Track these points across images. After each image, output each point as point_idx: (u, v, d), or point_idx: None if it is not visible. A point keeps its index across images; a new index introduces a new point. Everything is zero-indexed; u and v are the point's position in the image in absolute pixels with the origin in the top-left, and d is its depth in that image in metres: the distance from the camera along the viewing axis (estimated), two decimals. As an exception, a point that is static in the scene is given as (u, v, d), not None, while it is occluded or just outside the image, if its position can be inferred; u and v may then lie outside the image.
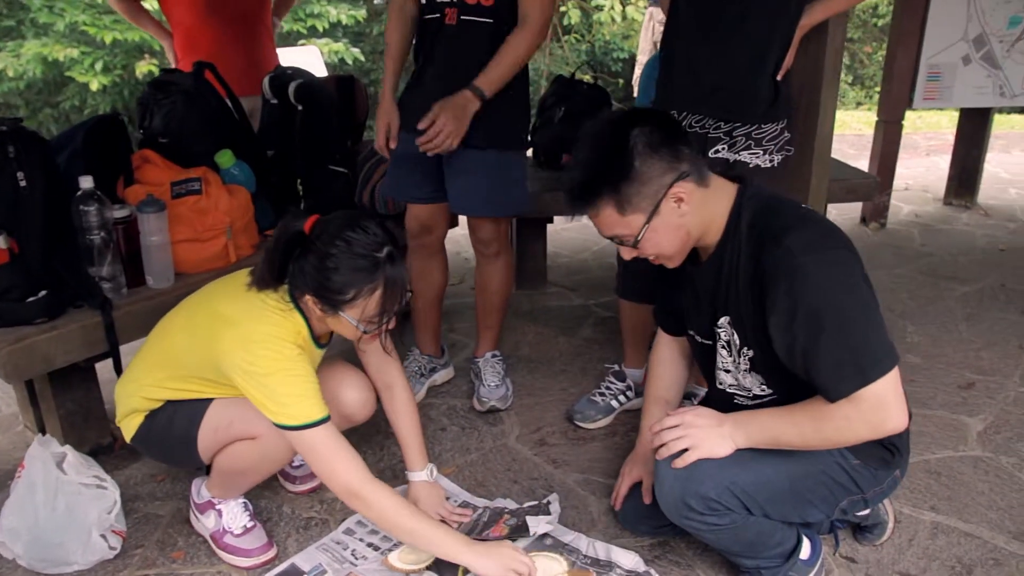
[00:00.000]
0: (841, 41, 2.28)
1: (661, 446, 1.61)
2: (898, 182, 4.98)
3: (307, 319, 1.75)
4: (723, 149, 2.11)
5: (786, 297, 1.44)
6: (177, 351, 1.81)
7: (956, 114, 5.15)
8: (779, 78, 2.09)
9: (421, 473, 2.01)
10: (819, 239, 1.47)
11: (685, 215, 1.52)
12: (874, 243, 4.42)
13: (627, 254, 1.60)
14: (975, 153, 4.96)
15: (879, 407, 1.43)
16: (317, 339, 1.81)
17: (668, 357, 1.96)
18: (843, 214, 4.81)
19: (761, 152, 2.10)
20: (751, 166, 2.10)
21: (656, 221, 1.51)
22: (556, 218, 3.70)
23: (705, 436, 1.57)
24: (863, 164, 4.79)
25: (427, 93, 2.29)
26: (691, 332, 1.79)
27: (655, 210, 1.50)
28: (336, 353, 2.08)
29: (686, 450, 1.57)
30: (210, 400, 1.82)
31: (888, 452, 1.63)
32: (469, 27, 2.22)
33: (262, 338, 1.66)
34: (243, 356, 1.65)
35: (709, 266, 1.61)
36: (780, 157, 2.13)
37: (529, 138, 2.58)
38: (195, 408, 1.82)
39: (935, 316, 3.37)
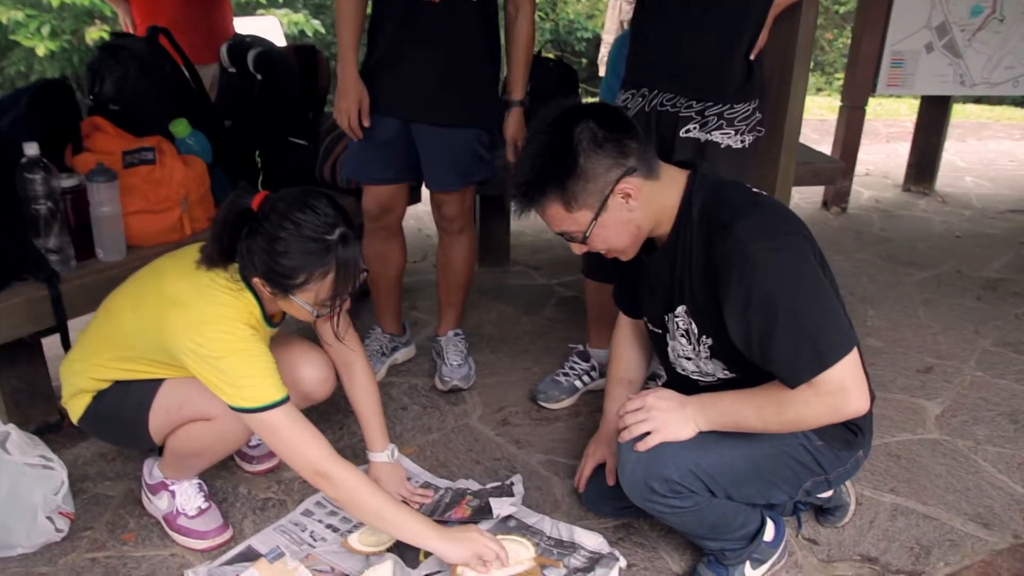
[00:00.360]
0: (813, 22, 2.27)
1: (624, 429, 1.59)
2: (859, 167, 5.03)
3: (259, 298, 1.68)
4: (694, 129, 2.08)
5: (739, 286, 1.42)
6: (124, 331, 1.72)
7: (915, 102, 5.21)
8: (752, 57, 2.07)
9: (382, 454, 1.97)
10: (769, 225, 1.45)
11: (634, 210, 1.50)
12: (835, 228, 4.46)
13: (577, 250, 1.59)
14: (934, 141, 5.02)
15: (839, 391, 1.41)
16: (270, 319, 1.74)
17: (630, 338, 1.94)
18: (805, 198, 4.84)
19: (732, 132, 2.07)
20: (722, 146, 2.07)
21: (604, 217, 1.49)
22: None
23: (667, 419, 1.55)
24: (825, 149, 4.81)
25: (414, 77, 2.24)
26: (645, 319, 1.78)
27: (602, 206, 1.48)
28: (295, 330, 2.02)
29: (648, 433, 1.56)
30: (161, 380, 1.75)
31: (851, 433, 1.63)
32: (457, 6, 2.18)
33: (212, 319, 1.58)
34: (193, 339, 1.57)
35: (663, 256, 1.59)
36: (751, 138, 2.11)
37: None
38: (145, 389, 1.75)
39: (895, 301, 3.41)
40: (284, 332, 1.90)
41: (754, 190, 1.57)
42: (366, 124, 2.29)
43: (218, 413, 1.69)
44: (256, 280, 1.60)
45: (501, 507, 1.85)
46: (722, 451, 1.55)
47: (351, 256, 1.57)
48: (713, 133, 2.08)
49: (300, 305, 1.61)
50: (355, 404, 1.98)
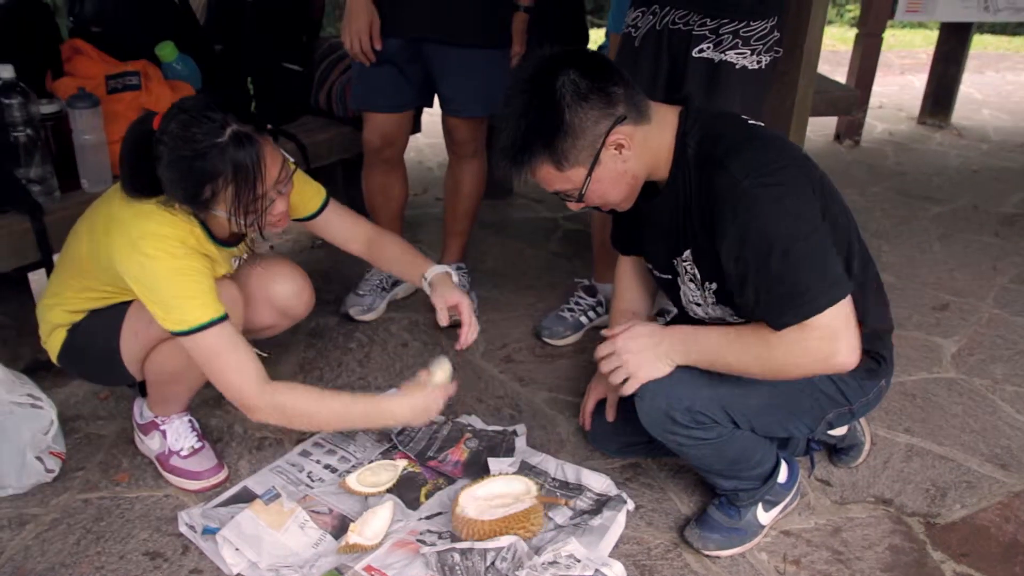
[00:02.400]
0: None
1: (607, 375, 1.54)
2: (872, 100, 4.87)
3: (200, 219, 1.61)
4: (708, 48, 1.95)
5: (732, 226, 1.35)
6: (82, 260, 1.67)
7: (931, 33, 5.02)
8: (772, -30, 1.93)
9: (437, 267, 1.83)
10: (763, 160, 1.36)
11: (628, 160, 1.42)
12: (848, 161, 4.33)
13: (574, 207, 1.51)
14: (953, 71, 4.85)
15: (829, 338, 1.32)
16: (222, 240, 1.68)
17: (632, 272, 1.87)
18: (817, 131, 4.69)
19: (749, 52, 1.94)
20: (737, 67, 1.95)
21: (598, 172, 1.41)
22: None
23: (640, 361, 1.47)
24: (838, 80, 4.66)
25: None
26: (649, 266, 1.70)
27: (595, 161, 1.40)
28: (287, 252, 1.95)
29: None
30: (129, 303, 1.69)
31: (874, 362, 1.57)
32: None
33: (148, 236, 1.52)
34: (131, 257, 1.52)
35: (664, 201, 1.51)
36: (768, 59, 1.98)
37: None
38: (114, 314, 1.69)
39: (909, 236, 3.32)
40: (260, 254, 1.85)
41: (749, 121, 1.47)
42: (378, 47, 2.18)
43: None
44: (179, 206, 1.55)
45: (499, 467, 1.78)
46: (740, 381, 1.47)
47: (245, 155, 1.47)
48: (728, 53, 1.95)
49: (224, 219, 1.55)
50: (386, 259, 1.89)
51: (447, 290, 1.78)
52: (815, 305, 1.31)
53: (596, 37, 4.16)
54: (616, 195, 1.48)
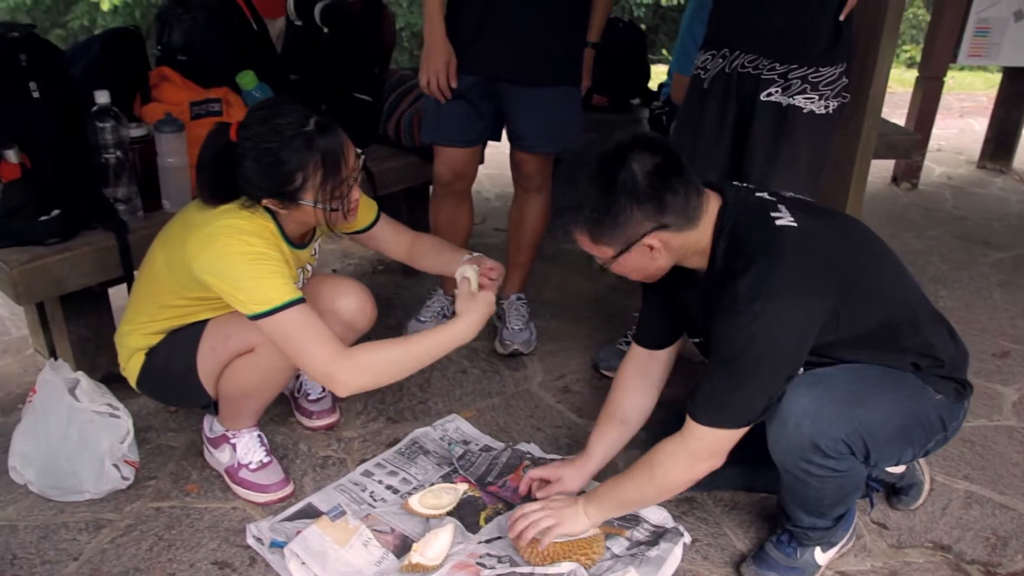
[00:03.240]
0: (907, -17, 2.15)
1: (524, 527, 1.63)
2: (930, 143, 4.83)
3: (275, 218, 1.69)
4: (776, 92, 1.98)
5: (716, 330, 1.47)
6: (158, 276, 1.74)
7: (992, 76, 4.97)
8: (842, 18, 1.96)
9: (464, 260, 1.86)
10: (767, 283, 1.41)
11: (657, 259, 1.51)
12: (905, 204, 4.30)
13: (600, 267, 1.59)
14: (1015, 115, 4.78)
15: (709, 451, 1.49)
16: (293, 240, 1.75)
17: (637, 375, 1.84)
18: (874, 173, 4.60)
19: (817, 97, 1.97)
20: (805, 112, 1.98)
21: (625, 258, 1.51)
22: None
23: (562, 514, 1.62)
24: (896, 122, 4.63)
25: (503, 32, 2.19)
26: (692, 341, 1.76)
27: (625, 250, 1.49)
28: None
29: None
30: (204, 323, 1.76)
31: (959, 385, 1.61)
32: None
33: (224, 232, 1.59)
34: (209, 250, 1.59)
35: (696, 292, 1.58)
36: (836, 104, 2.01)
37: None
38: (191, 333, 1.77)
39: (968, 282, 3.28)
40: (321, 272, 1.91)
41: (777, 223, 1.47)
42: (454, 85, 2.26)
43: (260, 341, 1.68)
44: (265, 201, 1.63)
45: None
46: (874, 409, 1.51)
47: (332, 141, 1.59)
48: (796, 97, 1.98)
49: (311, 207, 1.62)
50: (426, 255, 1.98)
51: (484, 259, 1.84)
52: (731, 423, 1.46)
53: (655, 72, 4.20)
54: (637, 276, 1.58)
